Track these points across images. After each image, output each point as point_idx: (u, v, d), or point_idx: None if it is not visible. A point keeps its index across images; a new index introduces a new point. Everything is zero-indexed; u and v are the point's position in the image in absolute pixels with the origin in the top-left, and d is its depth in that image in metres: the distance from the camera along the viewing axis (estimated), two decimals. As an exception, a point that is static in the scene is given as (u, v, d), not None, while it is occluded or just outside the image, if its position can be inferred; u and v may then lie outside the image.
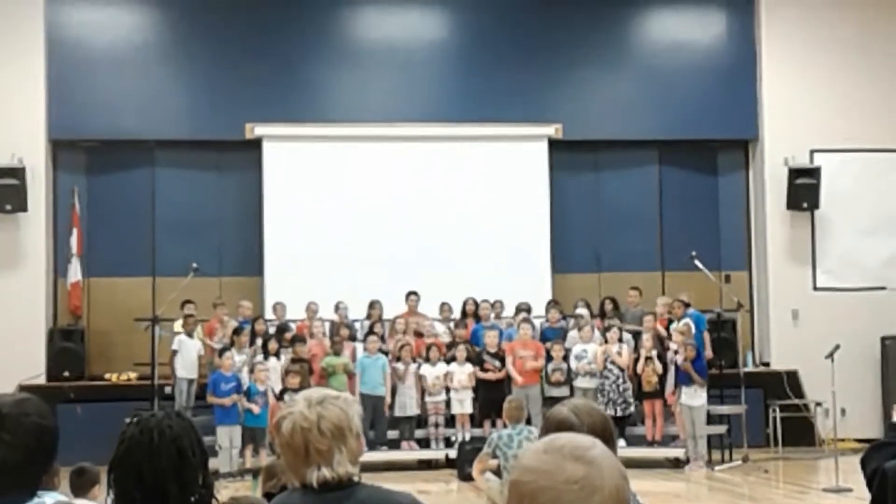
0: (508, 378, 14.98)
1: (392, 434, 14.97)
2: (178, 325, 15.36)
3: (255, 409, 14.16)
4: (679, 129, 17.65)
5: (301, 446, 3.03)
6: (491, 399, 14.50)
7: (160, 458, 2.89)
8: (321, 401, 3.09)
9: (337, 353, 15.03)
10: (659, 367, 14.82)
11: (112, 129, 16.80)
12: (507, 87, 17.35)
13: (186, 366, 15.00)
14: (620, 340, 15.13)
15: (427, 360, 15.15)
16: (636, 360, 14.98)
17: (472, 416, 15.11)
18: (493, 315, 16.11)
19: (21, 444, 2.73)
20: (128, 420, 2.99)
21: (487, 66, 17.41)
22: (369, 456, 13.37)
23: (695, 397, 14.47)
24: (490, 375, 15.01)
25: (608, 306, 16.09)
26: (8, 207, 16.01)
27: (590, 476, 1.76)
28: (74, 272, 16.56)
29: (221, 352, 14.65)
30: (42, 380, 15.84)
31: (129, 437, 2.93)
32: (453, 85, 17.52)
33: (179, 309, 15.39)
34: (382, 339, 15.46)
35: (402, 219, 17.03)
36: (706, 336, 15.41)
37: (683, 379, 14.51)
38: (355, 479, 3.08)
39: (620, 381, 14.89)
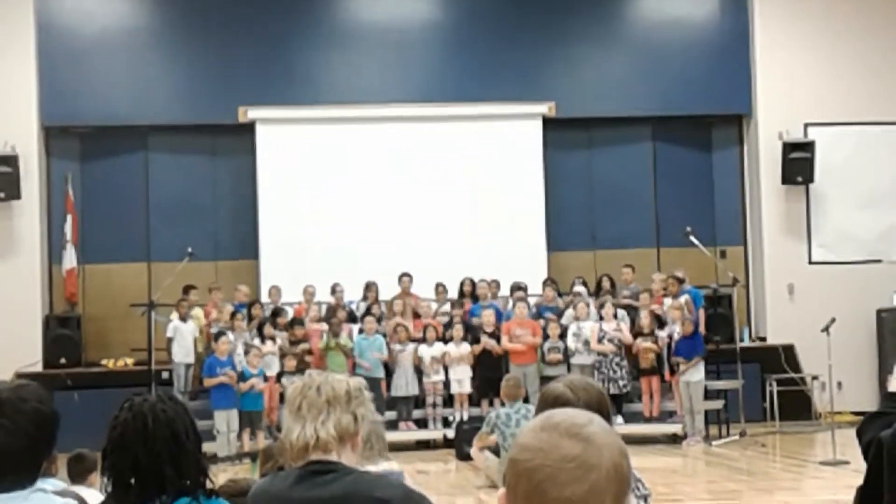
0: (506, 357, 15.00)
1: (390, 415, 14.98)
2: (175, 314, 15.36)
3: (257, 384, 14.23)
4: (673, 105, 17.63)
5: (297, 401, 3.03)
6: (489, 378, 14.52)
7: (155, 442, 2.89)
8: (337, 378, 3.11)
9: (335, 335, 15.06)
10: (660, 335, 14.85)
11: (105, 115, 16.76)
12: (500, 65, 17.31)
13: (183, 350, 15.02)
14: (616, 317, 15.16)
15: (424, 340, 15.15)
16: (633, 337, 15.01)
17: (470, 396, 15.13)
18: (489, 294, 16.11)
19: (20, 430, 2.73)
20: (120, 406, 2.98)
21: (480, 46, 17.36)
22: (368, 437, 13.37)
23: (692, 373, 14.50)
24: (485, 344, 15.00)
25: (605, 283, 16.11)
26: (1, 195, 15.97)
27: (586, 453, 1.73)
28: (69, 259, 16.55)
29: (217, 336, 14.65)
30: (39, 367, 15.83)
31: (122, 423, 2.92)
32: (446, 65, 17.47)
33: (183, 294, 15.40)
34: (379, 320, 15.47)
35: (396, 199, 17.01)
36: (700, 313, 15.44)
37: (683, 352, 14.52)
38: (334, 457, 3.02)
39: (617, 358, 14.91)
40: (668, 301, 15.33)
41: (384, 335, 15.23)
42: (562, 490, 1.71)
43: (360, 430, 3.08)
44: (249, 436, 14.22)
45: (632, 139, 18.08)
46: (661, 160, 18.06)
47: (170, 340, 15.04)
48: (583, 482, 1.71)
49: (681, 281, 15.49)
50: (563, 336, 15.11)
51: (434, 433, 15.03)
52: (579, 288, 15.95)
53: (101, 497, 3.05)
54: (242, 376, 14.31)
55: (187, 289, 15.46)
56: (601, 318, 15.11)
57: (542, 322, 15.31)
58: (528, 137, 17.42)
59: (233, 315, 15.08)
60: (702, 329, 15.19)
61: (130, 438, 2.89)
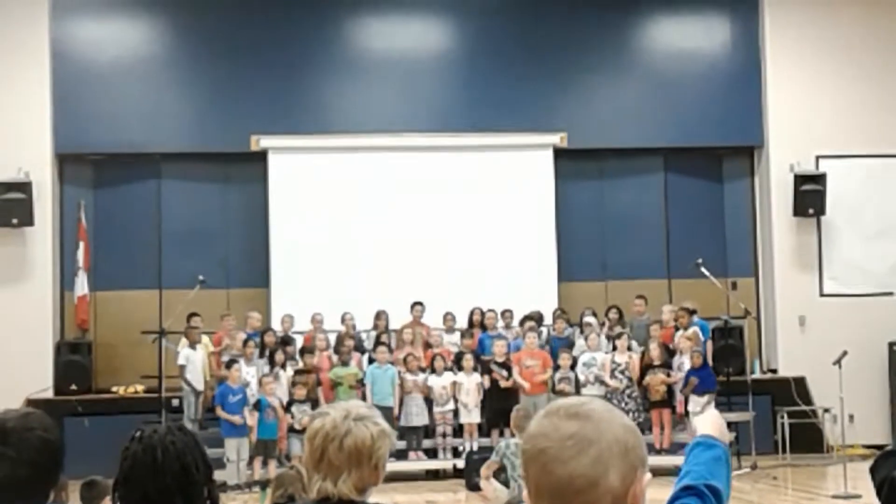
0: (516, 387, 14.97)
1: (400, 444, 14.93)
2: (182, 342, 15.34)
3: (269, 417, 14.25)
4: (684, 137, 17.63)
5: (318, 451, 3.00)
6: (499, 408, 14.48)
7: (165, 476, 2.88)
8: (360, 418, 3.02)
9: (344, 364, 15.04)
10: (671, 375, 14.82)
11: (118, 143, 16.83)
12: (511, 96, 17.35)
13: (194, 378, 15.02)
14: (629, 349, 15.13)
15: (433, 370, 15.13)
16: (644, 369, 14.98)
17: (479, 426, 15.09)
18: (501, 324, 16.10)
19: (27, 458, 2.73)
20: (130, 436, 2.98)
21: (492, 76, 17.41)
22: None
23: (702, 405, 14.44)
24: (496, 377, 14.98)
25: (613, 315, 16.08)
26: (14, 222, 16.01)
27: (583, 430, 1.85)
28: (81, 285, 16.57)
29: (229, 364, 14.64)
30: (49, 393, 15.84)
31: (132, 455, 2.92)
32: (457, 94, 17.52)
33: (186, 322, 15.41)
34: (390, 349, 15.44)
35: (408, 229, 17.01)
36: (708, 345, 15.42)
37: (705, 385, 14.51)
38: (355, 498, 3.02)
39: (629, 390, 14.88)
40: (678, 333, 15.30)
41: (391, 363, 15.22)
42: (565, 467, 1.83)
43: (382, 474, 3.06)
44: (261, 464, 14.19)
45: (643, 170, 18.09)
46: (673, 191, 18.06)
47: (182, 368, 15.03)
48: (583, 456, 1.83)
49: (692, 312, 15.46)
50: (574, 367, 15.09)
51: (444, 463, 14.98)
52: (590, 319, 15.92)
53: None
54: (260, 404, 14.30)
55: (189, 317, 15.44)
56: (614, 349, 15.10)
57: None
58: (539, 168, 17.43)
59: (245, 343, 15.08)
60: (709, 360, 15.17)
61: (140, 471, 2.89)
